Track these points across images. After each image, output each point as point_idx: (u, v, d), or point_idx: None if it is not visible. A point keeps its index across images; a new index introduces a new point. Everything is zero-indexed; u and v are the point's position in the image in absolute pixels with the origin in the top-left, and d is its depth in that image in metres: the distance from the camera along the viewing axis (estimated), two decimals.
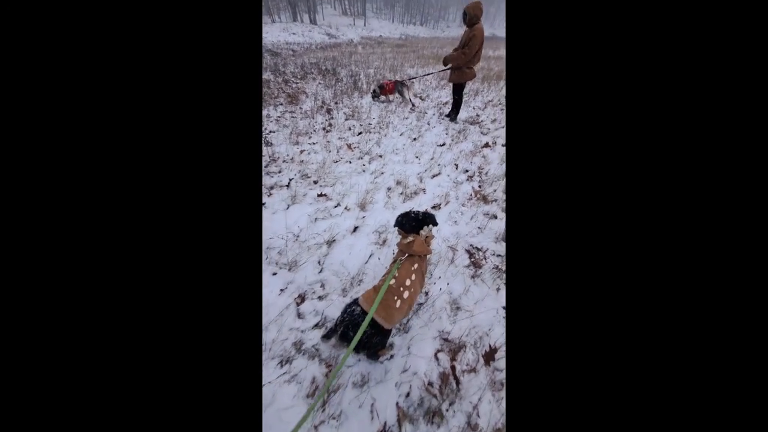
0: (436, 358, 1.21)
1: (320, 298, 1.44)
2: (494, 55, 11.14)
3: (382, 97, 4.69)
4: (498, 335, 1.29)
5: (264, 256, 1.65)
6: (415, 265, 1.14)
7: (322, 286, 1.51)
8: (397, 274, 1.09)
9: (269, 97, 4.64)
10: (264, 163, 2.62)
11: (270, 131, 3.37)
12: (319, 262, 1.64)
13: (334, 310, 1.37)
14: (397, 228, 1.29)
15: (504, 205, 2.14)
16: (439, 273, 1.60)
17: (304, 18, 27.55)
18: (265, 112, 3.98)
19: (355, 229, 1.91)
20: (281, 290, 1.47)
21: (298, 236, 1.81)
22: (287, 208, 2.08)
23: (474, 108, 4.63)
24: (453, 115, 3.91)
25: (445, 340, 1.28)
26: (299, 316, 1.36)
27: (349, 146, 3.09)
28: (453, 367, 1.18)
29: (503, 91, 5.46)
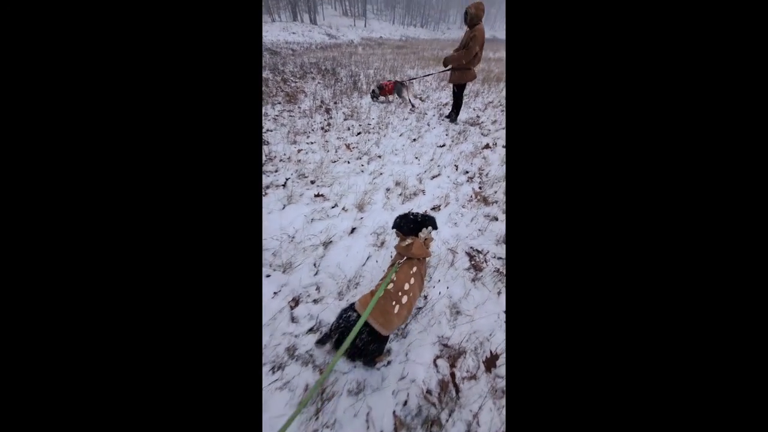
0: (435, 365, 1.17)
1: (315, 301, 1.40)
2: (494, 57, 11.22)
3: (382, 98, 4.68)
4: (499, 341, 1.26)
5: None
6: (414, 269, 1.10)
7: (318, 288, 1.47)
8: (395, 278, 1.05)
9: (267, 96, 4.61)
10: None
11: (267, 130, 3.34)
12: (314, 264, 1.60)
13: (329, 314, 1.33)
14: (395, 230, 1.25)
15: (505, 207, 2.11)
16: (439, 276, 1.56)
17: (304, 18, 27.67)
18: (262, 111, 3.95)
19: (353, 230, 1.88)
20: (274, 293, 1.42)
21: (293, 237, 1.77)
22: (283, 208, 2.04)
23: (474, 109, 4.62)
24: (453, 116, 3.89)
25: (445, 345, 1.24)
26: (293, 320, 1.31)
27: (347, 146, 3.06)
28: (452, 374, 1.14)
29: (503, 93, 5.47)
